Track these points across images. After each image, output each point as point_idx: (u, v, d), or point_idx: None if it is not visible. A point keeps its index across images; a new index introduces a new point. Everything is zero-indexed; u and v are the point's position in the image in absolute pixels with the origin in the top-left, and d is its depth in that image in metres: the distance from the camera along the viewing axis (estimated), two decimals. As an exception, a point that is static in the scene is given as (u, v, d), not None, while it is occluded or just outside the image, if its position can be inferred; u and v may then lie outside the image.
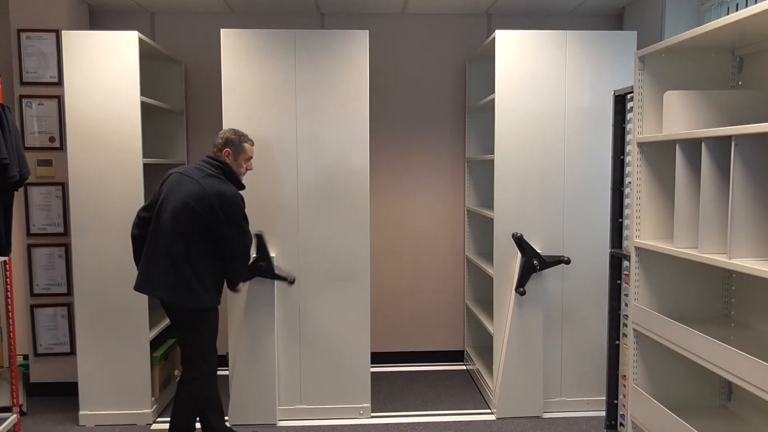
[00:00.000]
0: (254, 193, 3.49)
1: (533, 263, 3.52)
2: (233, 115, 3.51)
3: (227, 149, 3.02)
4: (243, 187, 3.05)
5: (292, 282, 3.51)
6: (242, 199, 2.93)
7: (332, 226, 3.58)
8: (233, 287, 3.07)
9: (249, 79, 3.50)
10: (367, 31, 3.54)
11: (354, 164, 3.56)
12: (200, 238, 2.85)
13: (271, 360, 3.52)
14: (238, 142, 3.04)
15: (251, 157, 3.13)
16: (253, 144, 3.14)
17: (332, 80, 3.53)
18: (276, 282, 3.52)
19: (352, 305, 3.62)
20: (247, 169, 3.12)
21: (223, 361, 3.85)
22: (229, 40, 3.48)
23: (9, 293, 3.32)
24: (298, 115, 3.53)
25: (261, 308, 3.51)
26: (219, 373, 3.28)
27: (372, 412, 3.71)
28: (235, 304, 3.52)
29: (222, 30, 3.48)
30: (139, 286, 2.91)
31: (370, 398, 3.66)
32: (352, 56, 3.52)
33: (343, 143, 3.55)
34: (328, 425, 3.56)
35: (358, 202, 3.58)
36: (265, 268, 3.44)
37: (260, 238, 3.46)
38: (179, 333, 2.99)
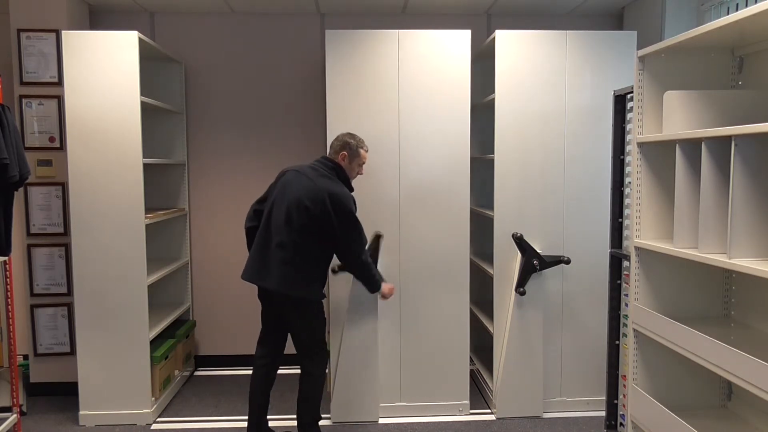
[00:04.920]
0: (357, 191, 3.50)
1: (533, 263, 3.52)
2: (337, 114, 3.54)
3: (344, 152, 3.11)
4: (352, 190, 3.13)
5: (372, 291, 3.45)
6: (354, 201, 3.00)
7: (433, 224, 3.61)
8: (372, 289, 3.16)
9: (352, 79, 3.54)
10: (469, 31, 3.56)
11: (455, 163, 3.59)
12: (310, 233, 2.94)
13: (373, 358, 3.54)
14: (355, 146, 3.13)
15: (364, 163, 3.20)
16: (367, 150, 3.21)
17: (435, 79, 3.56)
18: None
19: (452, 303, 3.64)
20: (358, 173, 3.20)
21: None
22: (333, 40, 3.52)
23: (9, 293, 3.32)
24: (400, 115, 3.56)
25: (364, 307, 3.52)
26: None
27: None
28: (339, 303, 3.54)
29: (326, 31, 3.53)
30: (248, 276, 3.00)
31: (469, 396, 3.69)
32: (455, 56, 3.55)
33: (445, 142, 3.58)
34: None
35: (458, 201, 3.61)
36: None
37: (378, 239, 3.53)
38: (294, 326, 3.06)
